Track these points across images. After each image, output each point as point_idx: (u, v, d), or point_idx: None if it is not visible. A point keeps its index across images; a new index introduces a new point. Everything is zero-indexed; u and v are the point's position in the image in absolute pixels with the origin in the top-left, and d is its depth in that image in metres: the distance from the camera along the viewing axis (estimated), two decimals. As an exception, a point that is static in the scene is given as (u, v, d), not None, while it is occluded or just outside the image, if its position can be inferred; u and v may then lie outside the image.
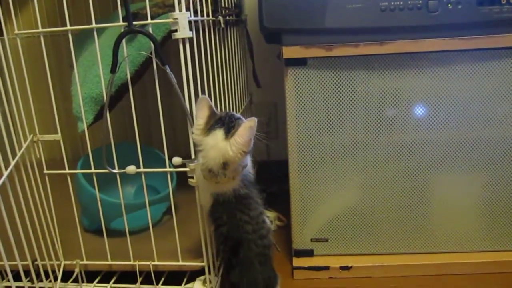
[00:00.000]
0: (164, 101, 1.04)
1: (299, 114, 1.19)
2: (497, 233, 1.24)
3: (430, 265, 1.24)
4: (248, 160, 0.98)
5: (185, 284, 1.13)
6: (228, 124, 0.91)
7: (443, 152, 1.19)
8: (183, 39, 0.96)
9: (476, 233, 1.25)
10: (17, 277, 1.00)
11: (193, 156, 1.01)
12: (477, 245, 1.26)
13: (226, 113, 0.94)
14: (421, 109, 1.18)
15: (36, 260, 1.04)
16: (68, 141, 1.57)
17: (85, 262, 1.13)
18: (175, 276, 1.15)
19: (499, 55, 1.12)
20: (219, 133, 0.91)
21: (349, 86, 1.16)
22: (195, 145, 0.96)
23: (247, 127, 0.89)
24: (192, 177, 1.02)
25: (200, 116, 0.94)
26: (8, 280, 0.88)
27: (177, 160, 1.01)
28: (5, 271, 0.84)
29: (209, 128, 0.93)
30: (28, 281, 1.02)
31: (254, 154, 1.01)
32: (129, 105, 1.03)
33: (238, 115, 0.94)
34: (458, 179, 1.21)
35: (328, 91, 1.17)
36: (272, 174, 1.85)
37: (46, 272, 1.07)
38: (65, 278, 1.14)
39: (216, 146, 0.90)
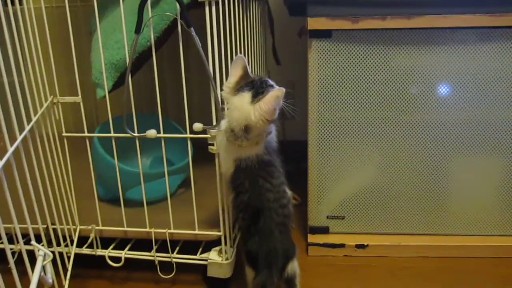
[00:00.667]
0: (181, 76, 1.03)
1: (321, 89, 1.17)
2: (515, 218, 1.23)
3: (448, 246, 1.23)
4: (273, 128, 0.96)
5: (200, 254, 1.12)
6: (257, 89, 0.90)
7: (466, 133, 1.17)
8: (209, 2, 0.94)
9: (495, 217, 1.23)
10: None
11: (214, 123, 1.00)
12: (496, 229, 1.24)
13: (260, 78, 0.92)
14: (446, 88, 1.16)
15: (53, 223, 1.04)
16: (86, 110, 1.57)
17: (100, 227, 1.13)
18: (190, 246, 1.14)
19: (529, 33, 1.10)
20: (246, 96, 0.90)
21: (374, 61, 1.14)
22: (222, 102, 0.94)
23: (274, 96, 0.87)
24: (213, 144, 1.00)
25: (233, 74, 0.93)
26: (29, 243, 0.86)
27: (198, 125, 0.99)
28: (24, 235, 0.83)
29: (239, 88, 0.91)
30: (43, 245, 1.01)
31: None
32: (145, 78, 1.02)
33: (271, 82, 0.93)
34: (480, 161, 1.19)
35: (352, 65, 1.15)
36: (287, 155, 1.83)
37: (62, 237, 1.07)
38: (80, 244, 1.14)
39: (240, 108, 0.89)
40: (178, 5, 0.95)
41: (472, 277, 1.15)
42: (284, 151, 1.83)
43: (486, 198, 1.22)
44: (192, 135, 1.05)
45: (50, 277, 0.77)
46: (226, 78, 0.96)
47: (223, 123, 0.95)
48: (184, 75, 1.19)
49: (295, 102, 1.84)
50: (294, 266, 0.98)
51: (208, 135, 1.01)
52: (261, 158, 0.94)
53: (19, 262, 0.71)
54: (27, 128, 0.80)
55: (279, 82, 1.88)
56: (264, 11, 1.57)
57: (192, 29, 0.94)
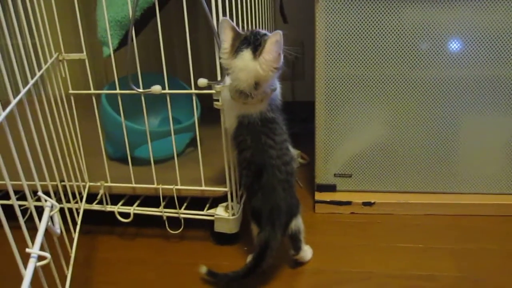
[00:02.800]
0: (190, 37, 1.02)
1: (328, 46, 1.15)
2: (526, 176, 1.22)
3: (455, 204, 1.23)
4: (277, 84, 0.96)
5: (207, 210, 1.13)
6: (254, 43, 0.88)
7: (474, 90, 1.15)
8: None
9: (503, 175, 1.22)
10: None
11: (218, 78, 0.99)
12: (503, 187, 1.23)
13: (251, 32, 0.91)
14: (457, 44, 1.13)
15: (63, 180, 1.05)
16: (92, 69, 1.57)
17: (109, 184, 1.14)
18: (198, 202, 1.16)
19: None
20: (246, 54, 0.89)
21: (382, 17, 1.11)
22: (224, 68, 0.94)
23: (273, 41, 0.86)
24: (218, 100, 1.00)
25: (225, 39, 0.91)
26: (38, 199, 0.88)
27: (202, 81, 0.99)
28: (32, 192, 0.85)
29: (236, 50, 0.90)
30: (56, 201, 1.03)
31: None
32: (153, 36, 1.01)
33: (263, 31, 0.91)
34: (487, 119, 1.18)
35: (360, 22, 1.13)
36: (296, 115, 1.83)
37: (72, 194, 1.09)
38: (90, 201, 1.16)
39: (246, 68, 0.88)
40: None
41: (478, 234, 1.15)
42: (293, 112, 1.83)
43: (494, 157, 1.21)
44: (197, 91, 1.05)
45: (58, 227, 0.78)
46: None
47: (228, 79, 0.94)
48: (193, 34, 1.18)
49: (304, 61, 1.83)
50: (298, 223, 1.00)
51: (213, 91, 1.00)
52: (264, 115, 0.93)
53: (30, 219, 0.73)
54: (31, 82, 0.81)
55: (287, 41, 1.86)
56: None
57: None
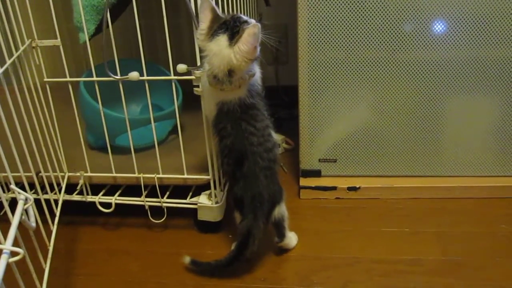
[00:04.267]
0: (171, 22, 0.98)
1: (311, 29, 1.13)
2: (508, 158, 1.21)
3: (440, 188, 1.22)
4: (257, 69, 0.93)
5: (190, 198, 1.12)
6: (232, 29, 0.85)
7: (458, 72, 1.14)
8: None
9: (489, 158, 1.22)
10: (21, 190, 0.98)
11: (198, 64, 0.96)
12: (489, 169, 1.23)
13: (232, 16, 0.87)
14: (438, 25, 1.11)
15: (39, 172, 1.03)
16: (71, 56, 1.52)
17: (89, 174, 1.12)
18: (180, 191, 1.14)
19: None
20: (222, 39, 0.85)
21: (365, -2, 1.09)
22: (200, 51, 0.91)
23: (251, 33, 0.83)
24: (198, 86, 0.98)
25: (203, 20, 0.88)
26: (13, 192, 0.86)
27: (182, 67, 0.96)
28: (9, 183, 0.82)
29: (213, 33, 0.87)
30: (33, 193, 1.00)
31: (262, 78, 0.96)
32: (133, 21, 0.97)
33: (245, 17, 0.88)
34: (472, 101, 1.16)
35: (342, 4, 1.10)
36: (280, 100, 1.81)
37: (50, 186, 1.06)
38: (70, 192, 1.14)
39: (220, 53, 0.85)
40: None
41: (464, 217, 1.15)
42: (277, 96, 1.81)
43: (480, 139, 1.20)
44: (176, 77, 1.02)
45: (33, 220, 0.76)
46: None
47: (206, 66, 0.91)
48: (174, 20, 1.15)
49: (288, 45, 1.81)
50: (281, 210, 0.98)
51: (193, 77, 0.98)
52: (243, 101, 0.91)
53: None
54: (1, 70, 0.77)
55: (271, 25, 1.83)
56: None
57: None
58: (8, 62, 0.83)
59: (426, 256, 1.02)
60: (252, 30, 0.83)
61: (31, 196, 0.75)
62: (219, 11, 0.89)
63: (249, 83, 0.91)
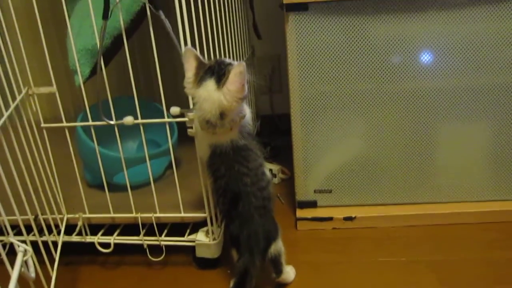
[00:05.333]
0: (166, 55, 1.01)
1: (301, 62, 1.16)
2: (503, 183, 1.22)
3: (435, 214, 1.23)
4: (247, 111, 0.95)
5: (188, 236, 1.13)
6: (218, 73, 0.88)
7: (449, 100, 1.16)
8: (178, -17, 0.92)
9: (482, 183, 1.23)
10: (20, 233, 1.00)
11: (191, 106, 0.99)
12: (483, 194, 1.24)
13: (216, 61, 0.90)
14: (427, 56, 1.14)
15: (37, 215, 1.04)
16: (69, 97, 1.55)
17: (87, 215, 1.13)
18: (178, 228, 1.15)
19: (510, -4, 1.07)
20: (210, 84, 0.88)
21: (352, 32, 1.12)
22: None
23: (237, 73, 0.85)
24: (191, 127, 1.00)
25: (188, 68, 0.91)
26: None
27: (175, 110, 0.99)
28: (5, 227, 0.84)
29: (200, 79, 0.89)
30: (32, 235, 1.02)
31: (257, 108, 0.98)
32: (131, 58, 1.00)
33: (228, 60, 0.91)
34: (464, 128, 1.19)
35: (331, 38, 1.13)
36: (276, 128, 1.83)
37: (49, 227, 1.08)
38: (69, 233, 1.15)
39: (209, 98, 0.87)
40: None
41: (460, 242, 1.16)
42: (273, 125, 1.83)
43: (473, 165, 1.22)
44: (170, 120, 1.04)
45: (32, 271, 0.77)
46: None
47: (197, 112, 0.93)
48: (169, 54, 1.17)
49: (281, 74, 1.84)
50: (278, 247, 0.99)
51: (186, 119, 1.00)
52: (235, 144, 0.93)
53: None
54: (1, 120, 0.80)
55: (264, 56, 1.88)
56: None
57: (160, 12, 0.92)
58: (6, 114, 0.86)
59: (423, 286, 1.02)
60: (238, 69, 0.85)
61: (30, 248, 0.76)
62: (203, 58, 0.92)
63: (240, 125, 0.93)
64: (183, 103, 1.02)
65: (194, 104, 0.92)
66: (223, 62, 0.89)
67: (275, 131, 1.82)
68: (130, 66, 1.01)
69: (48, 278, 0.93)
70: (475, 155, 1.21)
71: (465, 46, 1.11)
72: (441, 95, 1.16)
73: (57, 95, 1.03)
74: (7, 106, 0.91)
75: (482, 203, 1.24)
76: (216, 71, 0.88)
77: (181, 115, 1.00)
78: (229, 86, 0.85)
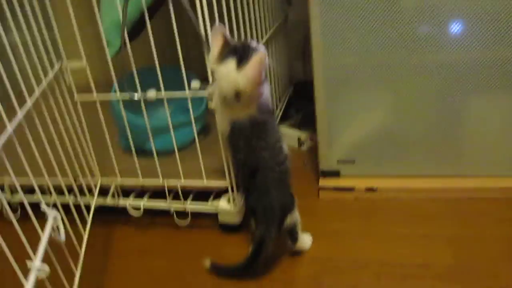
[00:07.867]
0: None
1: (325, 31, 1.15)
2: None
3: (459, 188, 1.23)
4: (266, 89, 0.97)
5: (211, 201, 1.19)
6: (241, 55, 0.91)
7: (480, 72, 1.12)
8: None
9: (504, 157, 1.20)
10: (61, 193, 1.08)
11: (210, 81, 1.02)
12: (505, 169, 1.21)
13: (243, 43, 0.94)
14: (457, 26, 1.10)
15: (77, 177, 1.13)
16: (101, 67, 1.61)
17: (119, 181, 1.21)
18: (205, 193, 1.21)
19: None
20: (231, 63, 0.91)
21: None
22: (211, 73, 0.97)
23: (257, 61, 0.89)
24: (211, 100, 1.04)
25: (215, 45, 0.94)
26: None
27: (195, 84, 1.03)
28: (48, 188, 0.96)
29: (223, 57, 0.93)
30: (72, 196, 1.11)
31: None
32: (165, 26, 1.03)
33: (255, 44, 0.93)
34: (492, 101, 1.15)
35: (356, 7, 1.11)
36: (308, 94, 1.83)
37: (81, 191, 1.16)
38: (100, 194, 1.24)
39: (227, 76, 0.91)
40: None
41: (481, 218, 1.16)
42: (306, 91, 1.83)
43: (500, 139, 1.19)
44: (191, 94, 1.08)
45: (62, 233, 0.85)
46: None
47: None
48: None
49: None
50: (294, 217, 1.03)
51: (205, 94, 1.04)
52: (254, 119, 0.96)
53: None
54: (37, 91, 0.90)
55: (296, 22, 1.85)
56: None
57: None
58: (42, 85, 0.95)
59: (436, 260, 1.04)
60: (258, 58, 0.89)
61: (59, 214, 0.84)
62: (231, 38, 0.95)
63: (259, 102, 0.96)
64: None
65: (214, 80, 0.95)
66: (249, 45, 0.92)
67: (307, 97, 1.82)
68: (151, 36, 1.05)
69: (80, 239, 1.02)
70: (502, 128, 1.18)
71: (497, 15, 1.06)
72: (470, 66, 1.12)
73: (87, 70, 1.09)
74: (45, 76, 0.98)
75: (508, 178, 1.22)
76: (240, 53, 0.91)
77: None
78: (247, 71, 0.89)
